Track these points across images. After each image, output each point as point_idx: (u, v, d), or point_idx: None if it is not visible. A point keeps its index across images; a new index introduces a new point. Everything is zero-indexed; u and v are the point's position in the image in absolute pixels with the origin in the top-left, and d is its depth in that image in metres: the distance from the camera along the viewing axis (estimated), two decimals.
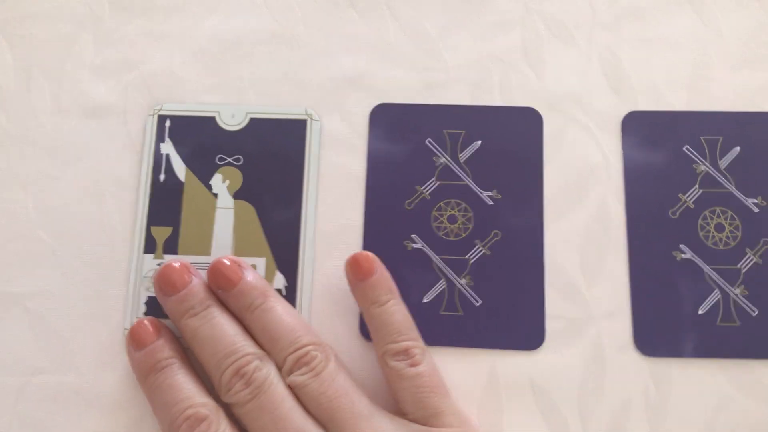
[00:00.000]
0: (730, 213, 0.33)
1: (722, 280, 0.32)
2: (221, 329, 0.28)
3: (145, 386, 0.29)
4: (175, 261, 0.30)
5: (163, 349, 0.29)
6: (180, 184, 0.33)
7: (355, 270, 0.30)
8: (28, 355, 0.31)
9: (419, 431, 0.27)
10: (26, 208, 0.33)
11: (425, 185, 0.33)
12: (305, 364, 0.28)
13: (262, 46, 0.36)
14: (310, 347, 0.28)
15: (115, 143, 0.34)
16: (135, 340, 0.29)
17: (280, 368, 0.28)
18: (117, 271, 0.32)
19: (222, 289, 0.29)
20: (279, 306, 0.29)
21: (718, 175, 0.33)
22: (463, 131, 0.34)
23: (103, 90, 0.35)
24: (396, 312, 0.29)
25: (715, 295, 0.32)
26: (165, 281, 0.29)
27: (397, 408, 0.29)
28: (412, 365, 0.28)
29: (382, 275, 0.30)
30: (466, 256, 0.32)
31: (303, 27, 0.36)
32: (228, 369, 0.27)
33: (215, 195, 0.33)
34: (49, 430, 0.30)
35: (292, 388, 0.28)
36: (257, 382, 0.27)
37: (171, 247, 0.32)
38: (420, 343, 0.29)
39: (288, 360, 0.28)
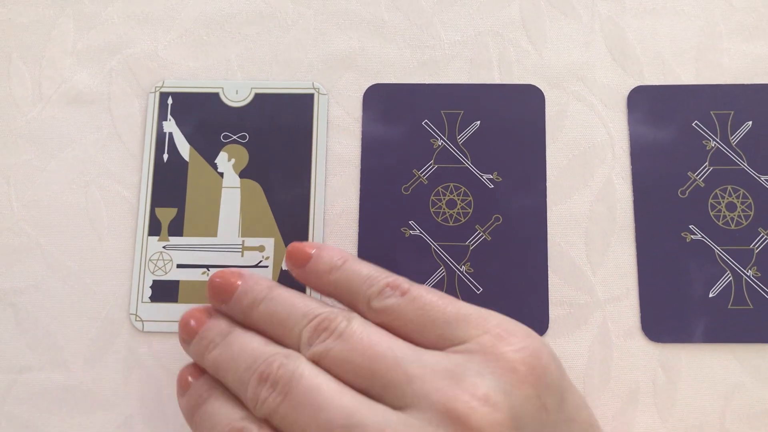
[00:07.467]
0: (742, 191, 0.31)
1: (734, 261, 0.30)
2: (240, 346, 0.25)
3: (192, 427, 0.26)
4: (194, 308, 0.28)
5: (201, 387, 0.26)
6: (184, 163, 0.32)
7: (294, 259, 0.28)
8: (15, 353, 0.31)
9: (467, 355, 0.23)
10: (9, 200, 0.32)
11: (423, 169, 0.32)
12: (324, 330, 0.24)
13: (250, 27, 0.34)
14: (325, 312, 0.25)
15: (100, 131, 0.33)
16: (179, 385, 0.27)
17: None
18: (105, 265, 0.31)
19: (223, 299, 0.27)
20: (285, 291, 0.27)
21: (729, 151, 0.32)
22: (462, 111, 0.33)
23: (86, 76, 0.34)
24: (360, 264, 0.27)
25: (727, 278, 0.30)
26: (182, 328, 0.27)
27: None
28: (403, 293, 0.25)
29: (322, 248, 0.28)
30: (466, 243, 0.31)
31: (292, 5, 0.34)
32: (251, 379, 0.24)
33: (221, 174, 0.32)
34: (38, 429, 0.30)
35: (318, 363, 0.24)
36: (284, 380, 0.23)
37: (176, 228, 0.32)
38: (404, 279, 0.26)
39: (303, 335, 0.25)
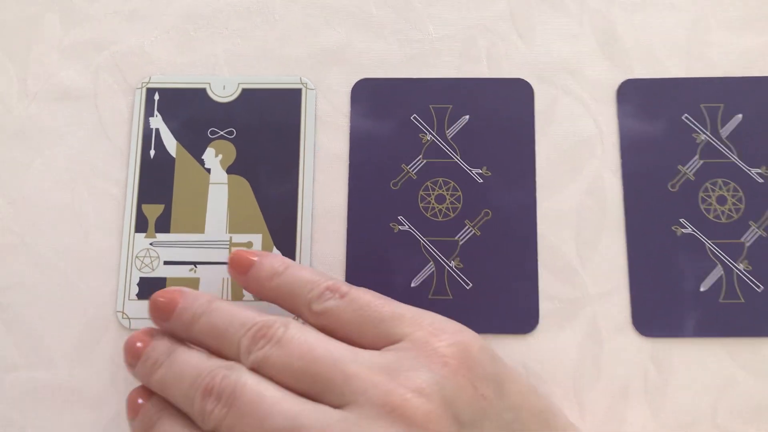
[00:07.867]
0: (732, 184, 0.31)
1: (725, 255, 0.30)
2: (183, 362, 0.26)
3: None
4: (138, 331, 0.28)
5: (151, 409, 0.26)
6: (171, 159, 0.32)
7: (236, 266, 0.28)
8: (1, 352, 0.30)
9: (402, 352, 0.24)
10: None
11: (411, 164, 0.32)
12: (262, 337, 0.25)
13: (237, 22, 0.34)
14: (263, 320, 0.25)
15: (86, 128, 0.33)
16: (129, 408, 0.27)
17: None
18: (92, 262, 0.31)
19: (165, 318, 0.27)
20: (224, 304, 0.27)
21: (720, 144, 0.32)
22: (450, 106, 0.33)
23: (72, 72, 0.33)
24: (302, 270, 0.27)
25: (718, 271, 0.30)
26: (127, 351, 0.27)
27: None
28: (342, 296, 0.26)
29: (265, 256, 0.28)
30: (456, 238, 0.31)
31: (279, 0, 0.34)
32: (197, 394, 0.24)
33: (208, 170, 0.32)
34: (24, 428, 0.29)
35: (259, 371, 0.24)
36: (227, 391, 0.24)
37: (163, 225, 0.31)
38: (343, 282, 0.27)
39: (242, 344, 0.25)
